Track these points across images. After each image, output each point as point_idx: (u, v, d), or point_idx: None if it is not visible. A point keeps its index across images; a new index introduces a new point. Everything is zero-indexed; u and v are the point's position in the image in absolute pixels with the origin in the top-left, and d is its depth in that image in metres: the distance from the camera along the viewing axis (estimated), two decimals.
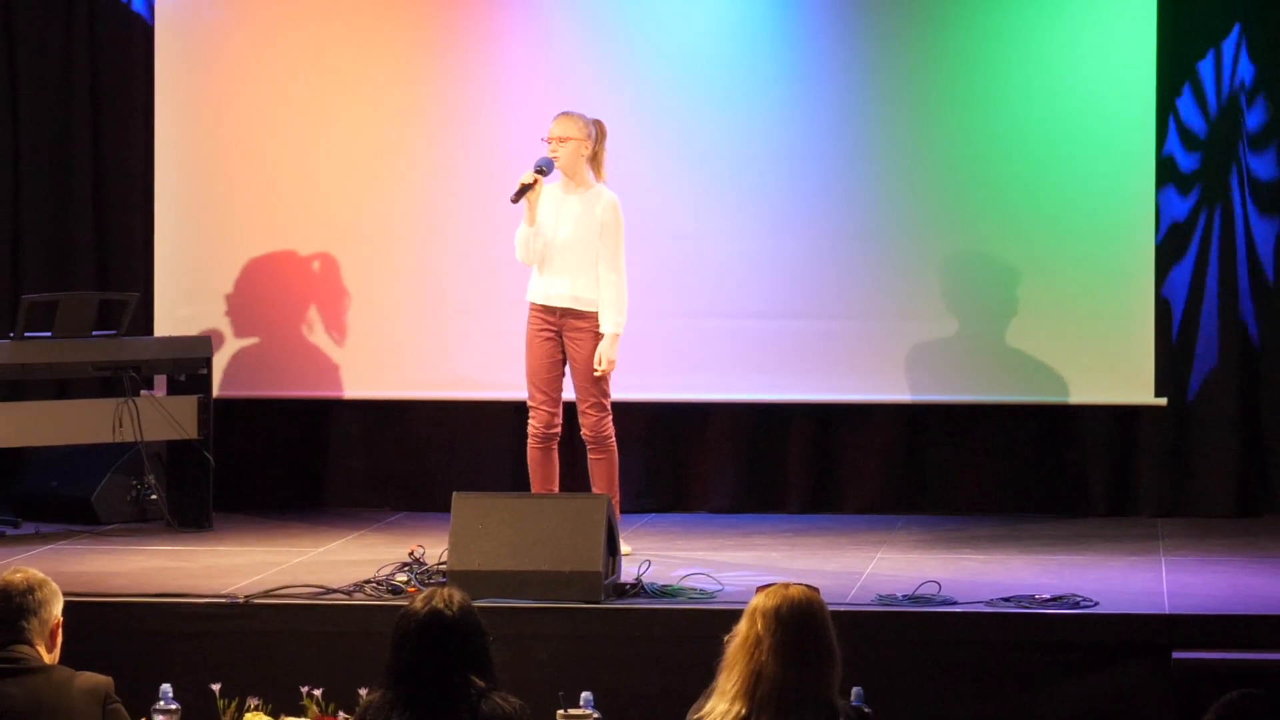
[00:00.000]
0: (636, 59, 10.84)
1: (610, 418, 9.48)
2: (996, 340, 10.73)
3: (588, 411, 9.45)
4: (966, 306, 10.74)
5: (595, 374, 9.37)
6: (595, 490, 9.44)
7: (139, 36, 11.16)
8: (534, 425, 9.47)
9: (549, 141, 9.40)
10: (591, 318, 9.41)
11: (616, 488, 9.50)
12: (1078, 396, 10.69)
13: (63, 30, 11.24)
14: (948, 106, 10.71)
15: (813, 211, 10.77)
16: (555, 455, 9.50)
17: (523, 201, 9.32)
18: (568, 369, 9.47)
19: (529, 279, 9.47)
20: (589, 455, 9.51)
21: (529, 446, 9.48)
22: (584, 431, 9.49)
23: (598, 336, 9.42)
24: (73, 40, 11.24)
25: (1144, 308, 10.59)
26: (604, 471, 9.48)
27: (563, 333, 9.45)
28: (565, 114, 9.48)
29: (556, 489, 9.47)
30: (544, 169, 9.35)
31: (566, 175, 9.42)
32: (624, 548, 9.32)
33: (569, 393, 9.51)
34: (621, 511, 9.62)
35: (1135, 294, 10.58)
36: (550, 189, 9.39)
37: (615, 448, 9.51)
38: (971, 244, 10.74)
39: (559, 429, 9.49)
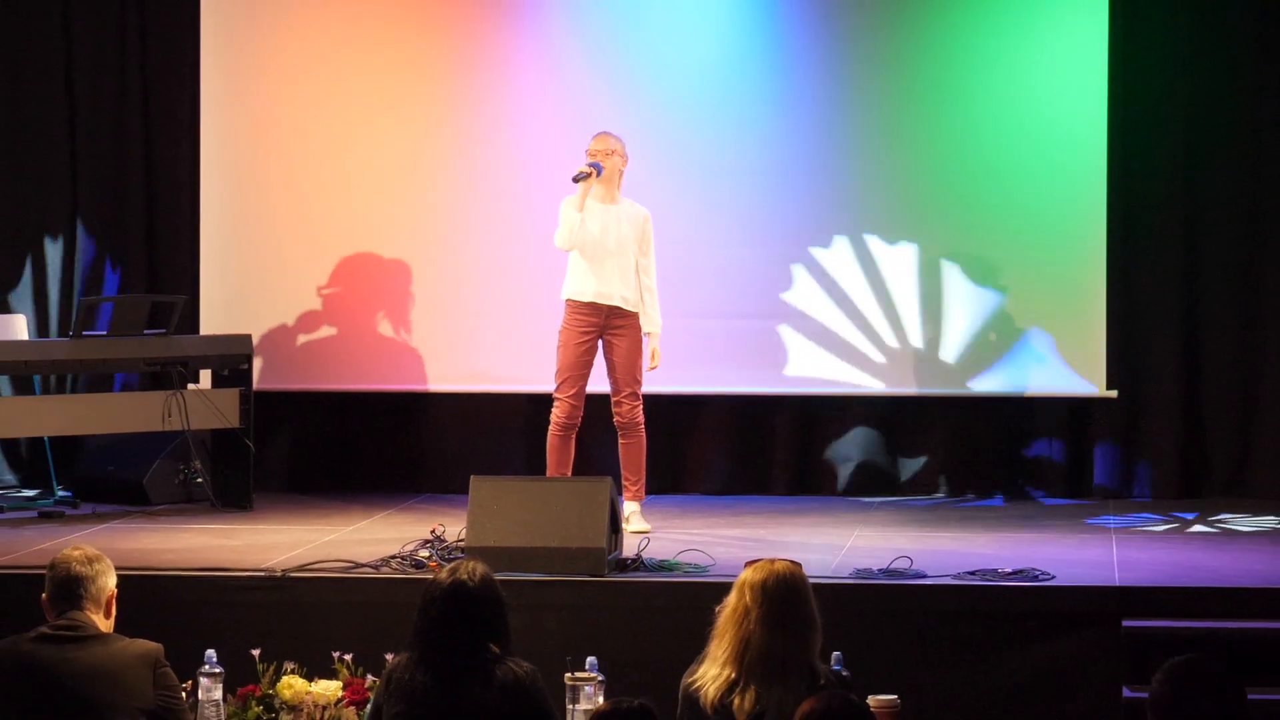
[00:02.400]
0: (638, 83, 10.84)
1: (641, 405, 9.50)
2: (964, 338, 10.73)
3: (624, 400, 9.47)
4: (937, 308, 10.74)
5: (650, 369, 9.46)
6: (625, 471, 9.45)
7: (187, 60, 11.17)
8: (559, 415, 9.45)
9: (595, 155, 9.41)
10: (632, 317, 9.46)
11: (643, 470, 9.52)
12: (1037, 389, 10.70)
13: (117, 57, 11.24)
14: (918, 127, 10.71)
15: (797, 222, 10.77)
16: (573, 443, 9.50)
17: (574, 198, 9.33)
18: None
19: (567, 280, 9.47)
20: (621, 440, 9.52)
21: (550, 434, 9.46)
22: (618, 419, 9.50)
23: (635, 334, 9.44)
24: (126, 65, 11.24)
25: (1097, 308, 10.59)
26: (636, 454, 9.51)
27: (604, 331, 9.44)
28: (608, 133, 9.52)
29: (570, 473, 9.47)
30: (597, 170, 9.37)
31: (605, 186, 9.42)
32: (644, 524, 9.33)
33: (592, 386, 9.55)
34: (647, 491, 9.65)
35: (1089, 296, 10.58)
36: (588, 199, 9.41)
37: (644, 433, 9.53)
38: (941, 251, 10.74)
39: (580, 420, 9.49)
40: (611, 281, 9.43)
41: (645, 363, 9.53)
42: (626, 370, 9.47)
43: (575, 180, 9.36)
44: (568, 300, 9.49)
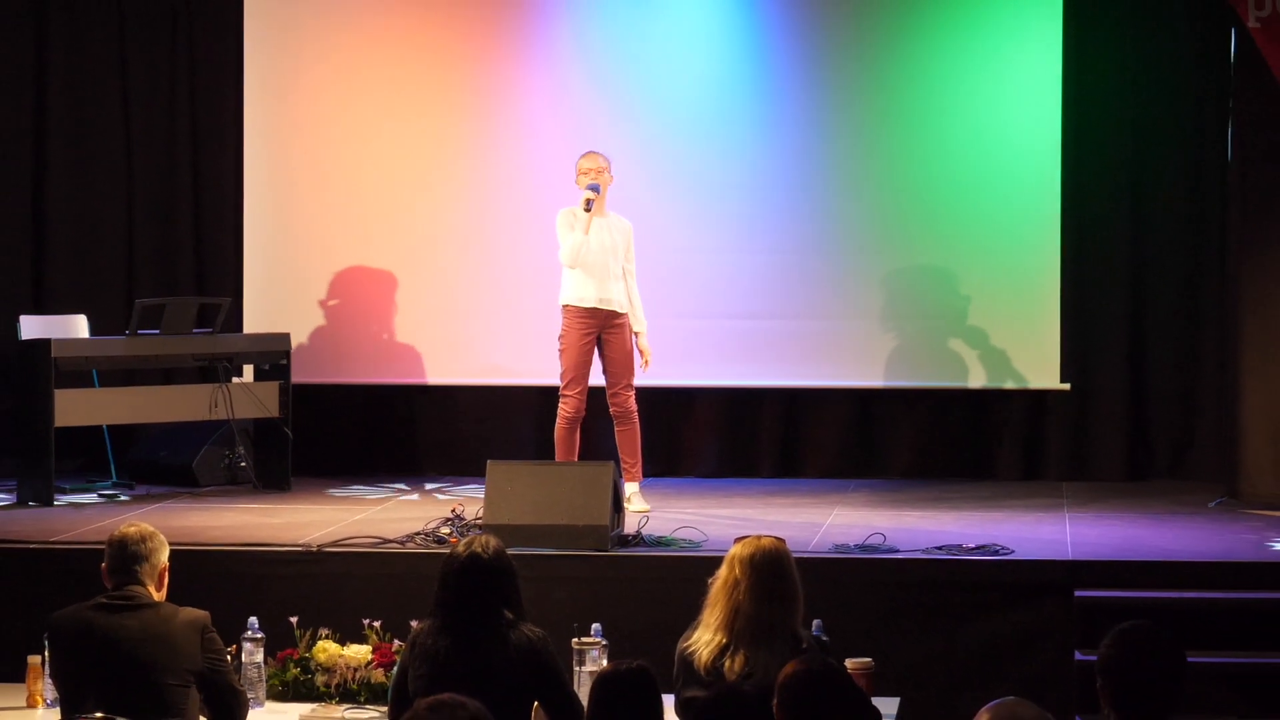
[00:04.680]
0: (637, 107, 10.84)
1: (634, 394, 9.51)
2: (931, 336, 10.73)
3: (621, 391, 9.47)
4: (907, 308, 10.74)
5: (643, 369, 9.48)
6: (623, 455, 9.45)
7: (231, 87, 11.18)
8: (567, 410, 9.43)
9: (589, 173, 9.40)
10: (624, 317, 9.47)
11: (639, 453, 9.52)
12: (997, 382, 10.69)
13: (168, 84, 11.26)
14: (890, 145, 10.71)
15: (781, 231, 10.77)
16: (578, 433, 9.49)
17: (580, 216, 9.33)
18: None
19: (567, 288, 9.44)
20: (618, 427, 9.51)
21: (558, 427, 9.44)
22: (615, 409, 9.49)
23: (627, 332, 9.45)
24: (176, 91, 11.25)
25: (1051, 309, 10.59)
26: (632, 439, 9.51)
27: (603, 331, 9.44)
28: (596, 152, 9.50)
29: (576, 460, 9.47)
30: (597, 190, 9.37)
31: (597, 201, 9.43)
32: (643, 504, 9.33)
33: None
34: (645, 475, 9.65)
35: (1044, 298, 10.59)
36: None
37: (638, 418, 9.53)
38: (910, 257, 10.74)
39: (584, 413, 9.49)
40: (609, 288, 9.43)
41: (638, 359, 9.53)
42: (623, 364, 9.48)
43: (587, 209, 9.36)
44: (569, 306, 9.47)
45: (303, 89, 11.08)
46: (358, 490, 10.31)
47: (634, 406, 9.52)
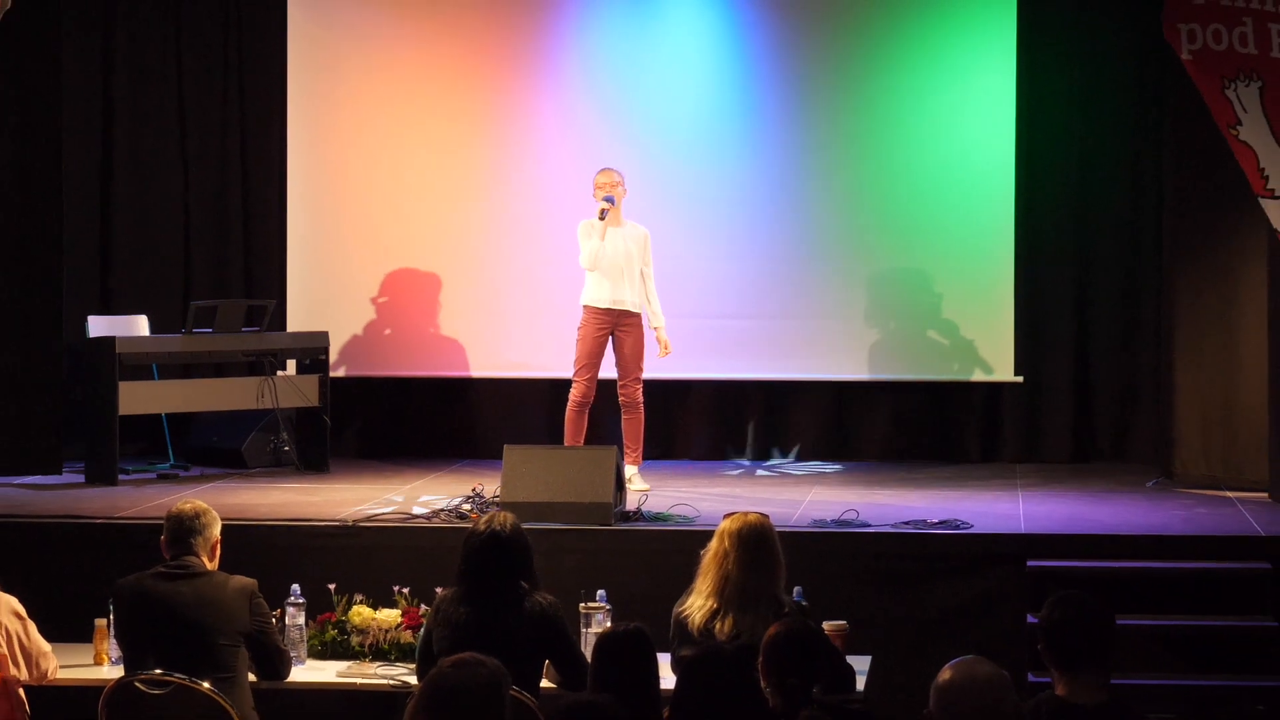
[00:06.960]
0: (639, 128, 10.84)
1: (641, 388, 9.53)
2: (899, 333, 10.74)
3: (630, 384, 9.48)
4: (879, 309, 10.75)
5: (663, 356, 9.49)
6: (627, 441, 9.46)
7: (276, 111, 11.19)
8: (576, 395, 9.45)
9: (604, 187, 9.42)
10: (637, 317, 9.49)
11: (641, 440, 9.54)
12: (959, 375, 10.71)
13: (219, 109, 11.28)
14: (863, 163, 10.71)
15: (766, 240, 10.78)
16: (586, 417, 9.52)
17: (597, 225, 9.36)
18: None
19: (587, 289, 9.47)
20: (624, 416, 9.52)
21: (569, 410, 9.47)
22: (623, 399, 9.50)
23: (639, 331, 9.47)
24: (227, 115, 11.27)
25: (1006, 310, 10.60)
26: (636, 427, 9.52)
27: (615, 329, 9.46)
28: (610, 168, 9.53)
29: (583, 443, 9.48)
30: (612, 203, 9.39)
31: (614, 212, 9.45)
32: (643, 484, 9.35)
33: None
34: (644, 457, 9.67)
35: (1000, 300, 10.60)
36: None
37: (643, 410, 9.55)
38: (882, 263, 10.75)
39: (592, 399, 9.51)
40: (623, 290, 9.46)
41: (656, 350, 9.54)
42: (633, 360, 9.50)
43: (602, 218, 9.39)
44: (587, 306, 9.50)
45: (341, 113, 11.05)
46: (389, 471, 10.33)
47: (640, 398, 9.53)
